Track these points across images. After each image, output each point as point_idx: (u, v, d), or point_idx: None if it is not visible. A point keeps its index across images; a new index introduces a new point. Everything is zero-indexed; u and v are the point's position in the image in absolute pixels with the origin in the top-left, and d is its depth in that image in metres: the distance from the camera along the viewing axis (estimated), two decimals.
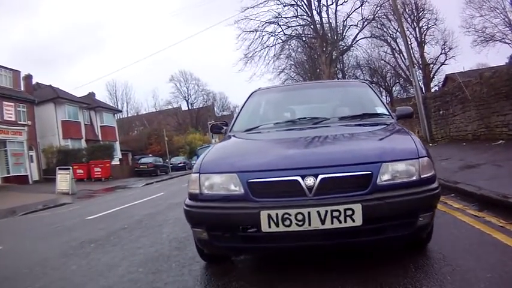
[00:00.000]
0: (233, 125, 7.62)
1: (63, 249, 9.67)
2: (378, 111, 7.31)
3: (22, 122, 49.55)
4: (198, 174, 5.16)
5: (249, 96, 8.58)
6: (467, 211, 8.18)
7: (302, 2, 56.54)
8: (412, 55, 63.27)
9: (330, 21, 58.49)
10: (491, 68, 30.79)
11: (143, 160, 64.35)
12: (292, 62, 74.04)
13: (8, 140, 46.59)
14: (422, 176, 4.74)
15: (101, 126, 67.08)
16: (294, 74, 79.43)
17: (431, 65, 71.14)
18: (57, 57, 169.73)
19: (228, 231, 4.91)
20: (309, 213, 4.41)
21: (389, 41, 69.10)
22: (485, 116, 21.57)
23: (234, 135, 6.97)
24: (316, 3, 56.84)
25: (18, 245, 11.80)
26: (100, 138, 65.45)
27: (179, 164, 71.59)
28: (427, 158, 4.90)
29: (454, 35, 71.52)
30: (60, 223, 15.46)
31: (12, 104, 48.48)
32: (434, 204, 4.94)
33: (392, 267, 5.25)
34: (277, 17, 56.68)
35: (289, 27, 58.47)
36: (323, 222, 4.41)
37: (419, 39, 69.58)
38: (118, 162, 65.43)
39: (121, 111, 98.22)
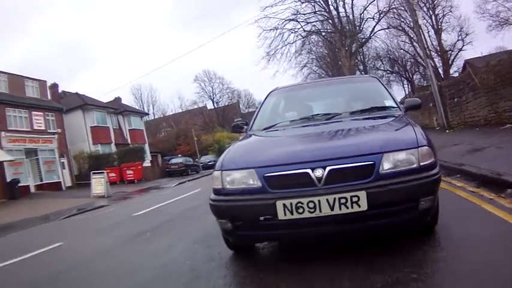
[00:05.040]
0: (252, 124, 8.22)
1: (123, 239, 11.01)
2: (387, 104, 7.81)
3: (52, 130, 50.41)
4: (220, 171, 5.79)
5: (267, 96, 9.16)
6: (467, 188, 9.22)
7: None
8: (430, 43, 63.87)
9: (347, 15, 58.93)
10: (509, 52, 30.94)
11: (174, 160, 64.58)
12: (314, 56, 74.51)
13: (39, 149, 47.69)
14: (422, 164, 5.21)
15: (129, 129, 67.72)
16: (316, 68, 79.48)
17: (450, 52, 70.61)
18: (78, 66, 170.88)
19: (249, 221, 5.54)
20: (319, 201, 4.98)
21: (407, 30, 68.62)
22: (494, 102, 22.30)
23: (253, 134, 7.57)
24: None
25: (78, 240, 13.00)
26: (129, 141, 66.04)
27: (209, 162, 69.61)
28: (426, 147, 5.37)
29: (470, 21, 71.26)
30: (109, 221, 16.62)
31: (41, 113, 49.30)
32: (435, 189, 5.39)
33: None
34: (295, 14, 57.12)
35: (308, 23, 58.92)
36: (332, 208, 4.95)
37: (435, 27, 69.19)
38: (149, 164, 65.78)
39: (148, 114, 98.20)
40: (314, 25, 60.41)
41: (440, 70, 68.65)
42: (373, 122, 6.83)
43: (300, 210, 5.04)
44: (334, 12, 57.69)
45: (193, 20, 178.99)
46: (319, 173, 5.13)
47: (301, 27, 58.98)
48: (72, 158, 54.00)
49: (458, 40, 70.20)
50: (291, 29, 58.32)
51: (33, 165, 47.29)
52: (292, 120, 7.88)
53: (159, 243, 9.52)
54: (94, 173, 35.95)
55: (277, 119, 8.18)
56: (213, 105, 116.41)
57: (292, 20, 57.60)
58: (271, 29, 56.96)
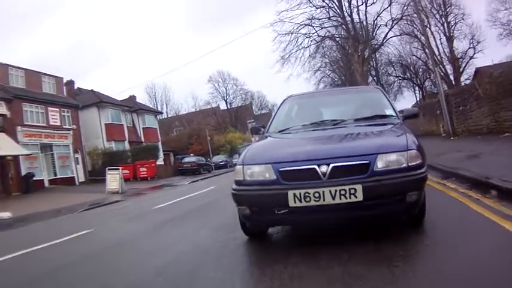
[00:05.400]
0: (269, 127, 9.20)
1: (150, 227, 12.11)
2: (387, 113, 8.72)
3: (67, 126, 51.46)
4: (242, 166, 6.78)
5: (282, 102, 10.22)
6: (459, 190, 10.17)
7: (333, 4, 57.59)
8: (442, 50, 64.45)
9: (361, 21, 59.46)
10: None
11: (186, 159, 65.28)
12: (327, 60, 74.96)
13: (55, 144, 48.89)
14: (410, 164, 6.11)
15: (143, 128, 68.58)
16: (330, 72, 79.99)
17: (461, 59, 70.60)
18: (93, 64, 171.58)
19: (264, 207, 6.51)
20: (323, 192, 5.91)
21: (419, 37, 68.52)
22: (496, 112, 23.18)
23: (269, 136, 8.62)
24: (347, 4, 57.98)
25: (108, 228, 14.05)
26: (143, 139, 66.83)
27: (221, 162, 71.94)
28: (415, 150, 6.27)
29: (481, 29, 71.37)
30: (132, 213, 17.61)
31: (57, 109, 50.30)
32: (420, 185, 6.32)
33: (389, 224, 7.40)
34: (310, 19, 57.78)
35: (322, 28, 59.58)
36: (333, 198, 5.87)
37: (447, 34, 69.25)
38: (162, 162, 66.65)
39: (162, 113, 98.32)
40: (328, 30, 61.15)
41: (451, 77, 69.07)
42: (373, 129, 7.75)
43: (307, 199, 5.97)
44: (348, 18, 58.24)
45: (208, 20, 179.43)
46: (324, 168, 6.07)
47: (316, 32, 59.65)
48: (86, 154, 54.90)
49: (469, 48, 70.34)
50: (306, 34, 58.99)
51: (47, 160, 48.39)
52: (304, 125, 8.80)
53: (186, 228, 10.79)
54: (109, 169, 36.60)
55: (290, 123, 9.15)
56: (226, 105, 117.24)
57: (307, 25, 58.25)
58: (286, 33, 57.76)
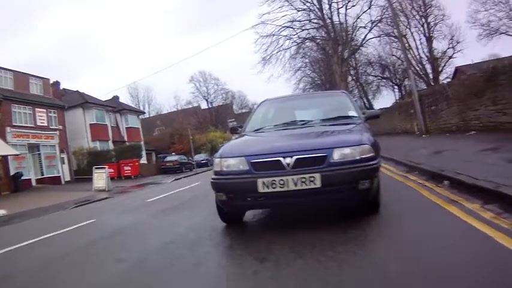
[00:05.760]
0: (246, 127, 10.44)
1: (147, 216, 13.53)
2: (350, 114, 9.83)
3: (54, 127, 52.18)
4: (220, 159, 7.93)
5: (258, 105, 11.67)
6: (417, 181, 11.48)
7: (314, 7, 58.91)
8: (422, 50, 65.45)
9: (341, 22, 60.77)
10: (502, 59, 31.63)
11: (169, 158, 66.08)
12: (308, 61, 76.12)
13: (42, 144, 49.64)
14: (362, 157, 7.12)
15: (126, 127, 69.33)
16: (310, 72, 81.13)
17: (440, 59, 71.22)
18: (78, 65, 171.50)
19: (238, 193, 7.60)
20: (287, 179, 6.97)
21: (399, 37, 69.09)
22: (463, 111, 24.70)
23: (246, 134, 9.82)
24: (327, 7, 59.24)
25: (107, 218, 15.10)
26: (126, 139, 67.62)
27: (202, 160, 71.12)
28: (367, 145, 7.31)
29: (461, 30, 72.12)
30: (127, 206, 18.68)
31: (44, 110, 51.00)
32: (371, 175, 7.26)
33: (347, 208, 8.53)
34: (291, 21, 59.12)
35: (303, 30, 60.78)
36: (296, 185, 6.94)
37: (427, 35, 69.90)
38: (146, 161, 67.74)
39: (144, 113, 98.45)
40: (309, 32, 62.15)
41: (431, 76, 70.13)
42: (335, 128, 8.83)
43: (274, 186, 7.08)
44: (328, 21, 59.50)
45: (193, 21, 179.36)
46: (288, 160, 7.14)
47: (297, 33, 60.91)
48: (71, 154, 55.64)
49: (449, 48, 71.00)
50: (287, 35, 60.32)
51: (35, 160, 49.12)
52: (276, 125, 9.91)
53: (182, 215, 12.29)
54: (96, 168, 37.40)
55: (264, 123, 10.30)
56: (207, 105, 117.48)
57: (289, 27, 59.55)
58: (267, 35, 59.06)
